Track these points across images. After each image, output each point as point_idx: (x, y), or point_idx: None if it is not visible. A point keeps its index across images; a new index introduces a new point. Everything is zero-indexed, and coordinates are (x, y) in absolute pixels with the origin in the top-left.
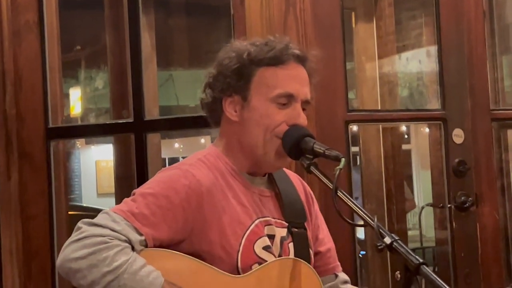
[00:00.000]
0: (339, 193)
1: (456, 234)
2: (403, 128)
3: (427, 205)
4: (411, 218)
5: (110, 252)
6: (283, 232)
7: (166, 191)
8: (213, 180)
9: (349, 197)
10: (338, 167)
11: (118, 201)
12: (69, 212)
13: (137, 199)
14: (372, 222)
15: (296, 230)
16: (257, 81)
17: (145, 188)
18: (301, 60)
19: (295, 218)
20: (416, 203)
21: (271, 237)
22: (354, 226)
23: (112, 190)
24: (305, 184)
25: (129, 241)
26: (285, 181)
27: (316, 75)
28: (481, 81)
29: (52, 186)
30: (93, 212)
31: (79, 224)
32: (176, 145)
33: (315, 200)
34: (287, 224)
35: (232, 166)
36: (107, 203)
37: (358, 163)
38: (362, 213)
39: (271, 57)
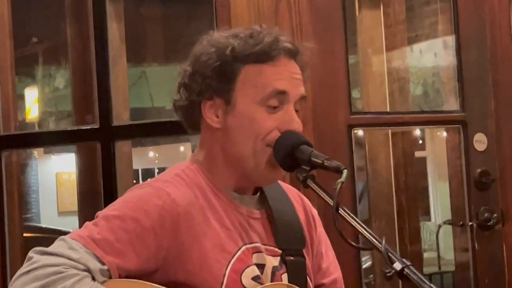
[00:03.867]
0: (341, 211)
1: (479, 257)
2: (417, 132)
3: (445, 223)
4: (427, 238)
5: (67, 283)
6: (275, 261)
7: (135, 213)
8: (192, 200)
9: (353, 215)
10: (339, 180)
11: (82, 220)
12: (25, 234)
13: (100, 222)
14: (380, 245)
15: (291, 258)
16: (242, 81)
17: (109, 209)
18: (292, 54)
19: (290, 244)
20: (433, 220)
21: (261, 266)
22: (359, 249)
23: (75, 207)
24: (307, 202)
25: (88, 270)
26: (281, 200)
27: (308, 68)
28: (507, 77)
29: (4, 203)
30: (52, 234)
31: (30, 253)
32: (151, 154)
33: (318, 221)
34: (280, 251)
35: (214, 182)
36: (70, 223)
37: (363, 174)
38: (368, 234)
39: (258, 53)
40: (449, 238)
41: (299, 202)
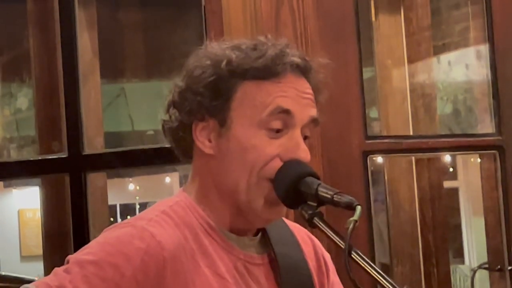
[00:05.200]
0: (354, 255)
1: None
2: (446, 159)
3: (481, 266)
4: (460, 285)
5: None
6: None
7: (114, 257)
8: (181, 242)
9: (369, 260)
10: (352, 219)
11: (49, 266)
12: None
13: (72, 269)
14: None
15: None
16: (239, 99)
17: (83, 253)
18: (301, 71)
19: None
20: (467, 264)
21: None
22: None
23: (41, 251)
24: (318, 244)
25: None
26: (287, 242)
27: (325, 90)
28: None
29: None
30: (14, 283)
31: None
32: (131, 187)
33: (331, 267)
34: None
35: (208, 220)
36: (34, 269)
37: (383, 209)
38: (387, 282)
39: (259, 68)
40: (486, 284)
41: (309, 244)
